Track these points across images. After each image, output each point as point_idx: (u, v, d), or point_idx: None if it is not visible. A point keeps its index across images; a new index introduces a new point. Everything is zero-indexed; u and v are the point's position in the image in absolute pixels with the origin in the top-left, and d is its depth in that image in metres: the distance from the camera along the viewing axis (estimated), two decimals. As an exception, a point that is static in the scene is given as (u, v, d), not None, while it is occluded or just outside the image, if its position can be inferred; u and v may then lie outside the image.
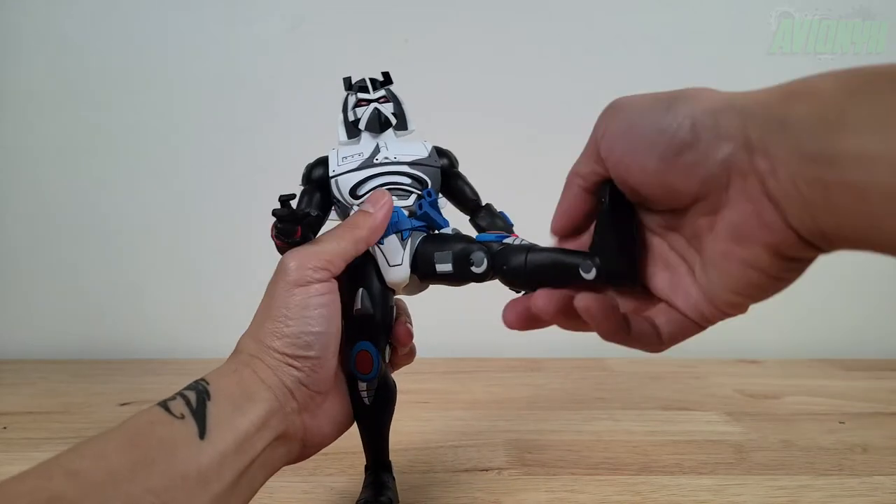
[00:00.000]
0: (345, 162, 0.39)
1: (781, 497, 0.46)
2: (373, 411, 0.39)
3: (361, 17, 0.79)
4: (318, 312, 0.34)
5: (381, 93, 0.41)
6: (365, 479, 0.41)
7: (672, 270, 0.30)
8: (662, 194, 0.28)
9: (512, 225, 0.40)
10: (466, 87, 0.79)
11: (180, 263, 0.85)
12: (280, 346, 0.33)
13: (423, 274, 0.37)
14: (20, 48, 0.79)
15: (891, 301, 0.86)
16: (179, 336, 0.85)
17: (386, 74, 0.42)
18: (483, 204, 0.41)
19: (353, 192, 0.39)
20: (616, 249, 0.30)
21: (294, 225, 0.36)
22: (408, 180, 0.39)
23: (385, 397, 0.39)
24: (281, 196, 0.35)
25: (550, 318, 0.31)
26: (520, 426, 0.59)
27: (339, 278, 0.36)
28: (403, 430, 0.58)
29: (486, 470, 0.51)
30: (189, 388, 0.31)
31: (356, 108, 0.40)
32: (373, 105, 0.40)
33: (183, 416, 0.29)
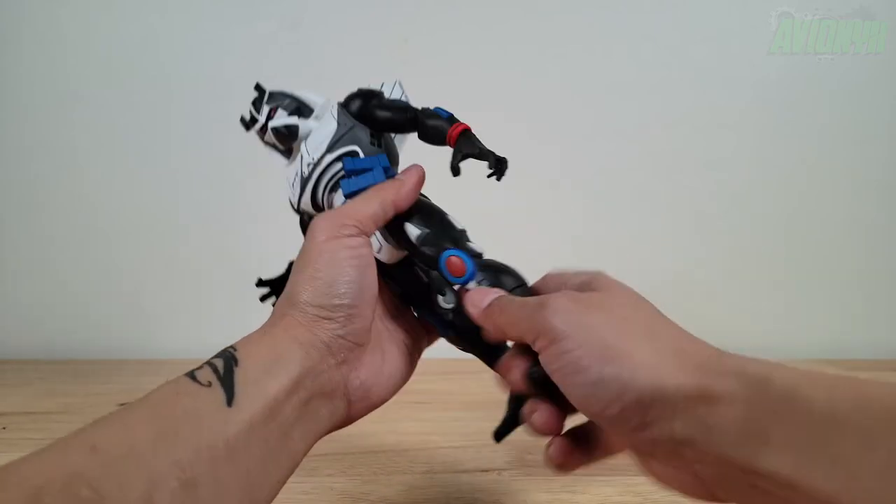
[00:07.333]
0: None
1: (782, 497, 0.46)
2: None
3: (361, 17, 0.79)
4: (348, 263, 0.33)
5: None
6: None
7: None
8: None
9: (449, 117, 0.38)
10: (467, 88, 0.79)
11: (179, 263, 0.85)
12: (311, 299, 0.32)
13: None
14: (20, 47, 0.79)
15: (892, 301, 0.86)
16: (178, 336, 0.85)
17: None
18: (413, 116, 0.37)
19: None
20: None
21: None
22: None
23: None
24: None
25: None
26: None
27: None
28: (403, 430, 0.58)
29: (487, 471, 0.51)
30: (217, 355, 0.30)
31: None
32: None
33: (210, 384, 0.28)
